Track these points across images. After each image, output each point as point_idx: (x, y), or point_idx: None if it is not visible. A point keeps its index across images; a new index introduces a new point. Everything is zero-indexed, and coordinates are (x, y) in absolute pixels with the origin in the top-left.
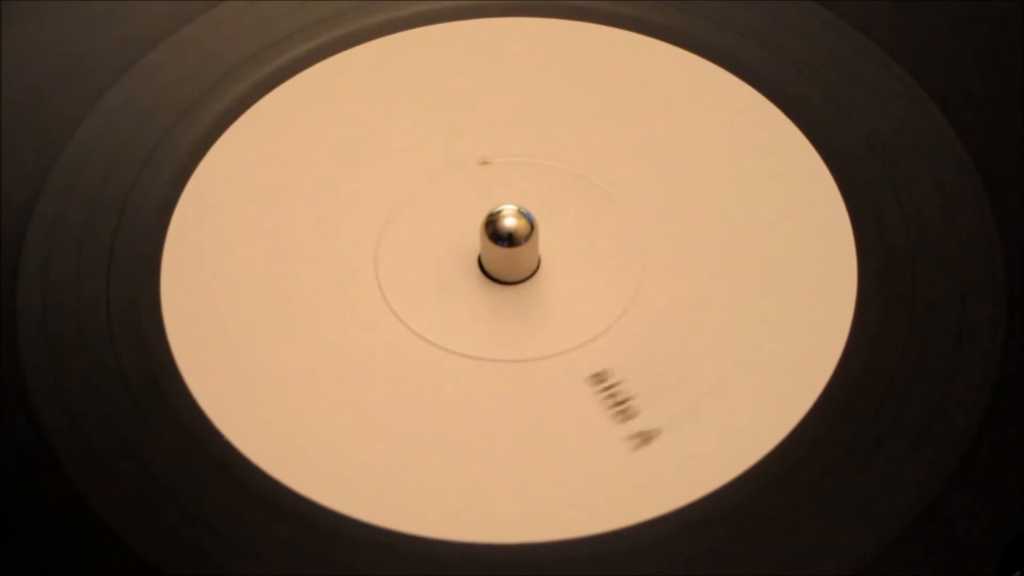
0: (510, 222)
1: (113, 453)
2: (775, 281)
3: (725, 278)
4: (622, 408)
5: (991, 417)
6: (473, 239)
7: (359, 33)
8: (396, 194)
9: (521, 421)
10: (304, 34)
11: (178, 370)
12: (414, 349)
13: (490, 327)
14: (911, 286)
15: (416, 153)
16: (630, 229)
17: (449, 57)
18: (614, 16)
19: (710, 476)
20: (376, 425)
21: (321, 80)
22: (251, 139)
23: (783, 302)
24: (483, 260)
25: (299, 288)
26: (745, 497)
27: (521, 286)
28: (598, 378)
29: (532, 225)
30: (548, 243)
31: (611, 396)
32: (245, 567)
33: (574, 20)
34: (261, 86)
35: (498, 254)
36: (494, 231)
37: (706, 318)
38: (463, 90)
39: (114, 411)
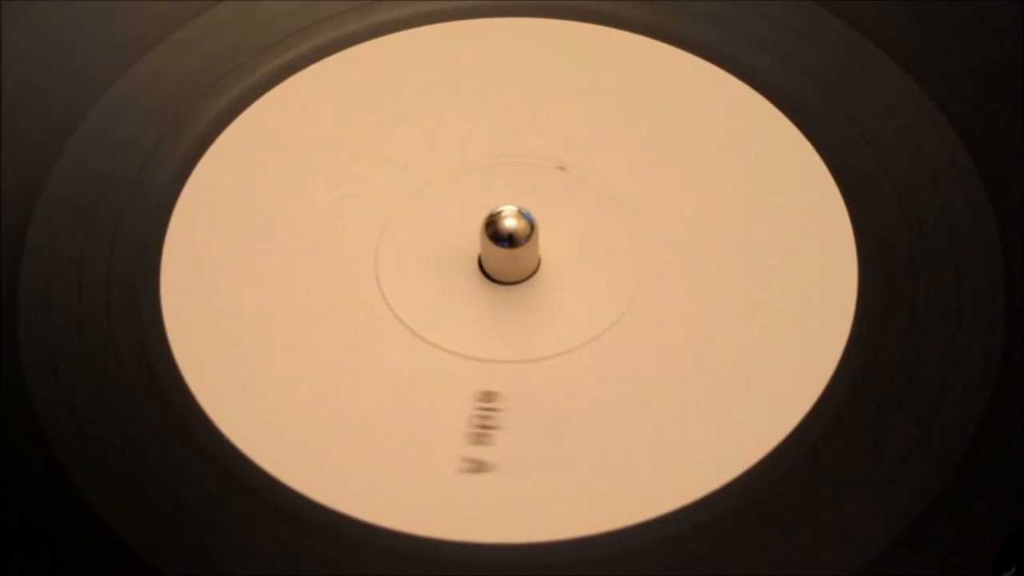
0: (510, 223)
1: (113, 453)
2: (775, 281)
3: (725, 278)
4: (482, 432)
5: (990, 417)
6: (473, 239)
7: (359, 33)
8: (396, 194)
9: (520, 421)
10: (304, 34)
11: (178, 370)
12: (414, 349)
13: (490, 327)
14: (911, 286)
15: (416, 153)
16: (630, 229)
17: (449, 57)
18: (614, 16)
19: (710, 476)
20: (376, 425)
21: (321, 80)
22: (250, 139)
23: (783, 302)
24: (483, 261)
25: (299, 288)
26: (745, 497)
27: (521, 286)
28: (486, 396)
29: (532, 225)
30: (548, 243)
31: (483, 418)
32: (245, 567)
33: (574, 20)
34: (261, 86)
35: (498, 255)
36: (494, 232)
37: (706, 318)
38: (463, 90)
39: (114, 410)
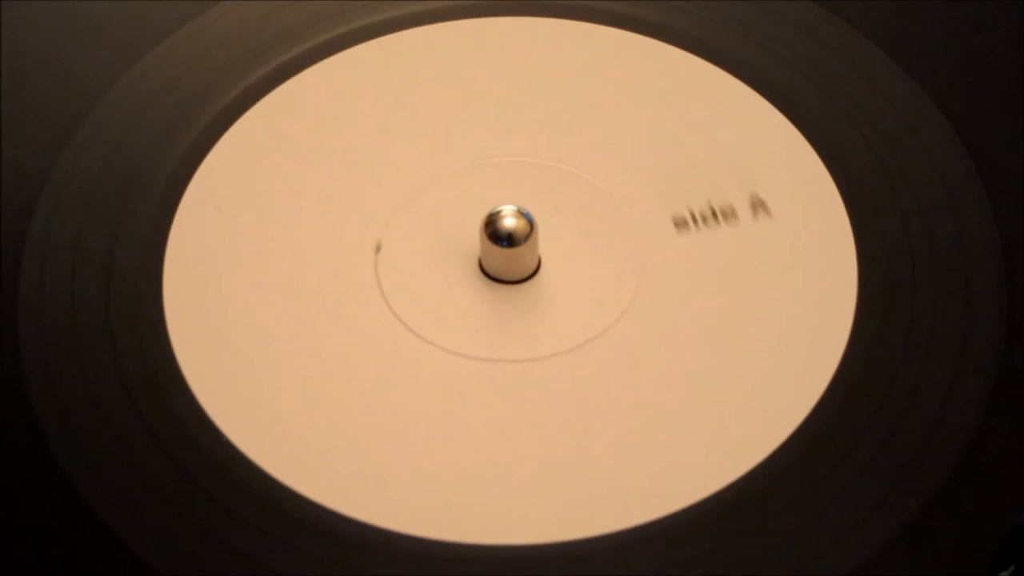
0: (510, 222)
1: (113, 453)
2: (775, 281)
3: (724, 278)
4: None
5: (990, 416)
6: (473, 239)
7: (359, 33)
8: (396, 194)
9: (521, 421)
10: (304, 34)
11: (179, 370)
12: (414, 349)
13: (490, 327)
14: (911, 286)
15: (416, 153)
16: (630, 229)
17: (449, 57)
18: (614, 16)
19: (710, 476)
20: (376, 425)
21: (321, 80)
22: (251, 139)
23: (783, 302)
24: (483, 260)
25: (299, 288)
26: (745, 498)
27: (521, 286)
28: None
29: (532, 225)
30: (548, 243)
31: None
32: (245, 567)
33: (574, 20)
34: (261, 86)
35: (498, 254)
36: (494, 231)
37: (706, 318)
38: (463, 89)
39: (113, 411)
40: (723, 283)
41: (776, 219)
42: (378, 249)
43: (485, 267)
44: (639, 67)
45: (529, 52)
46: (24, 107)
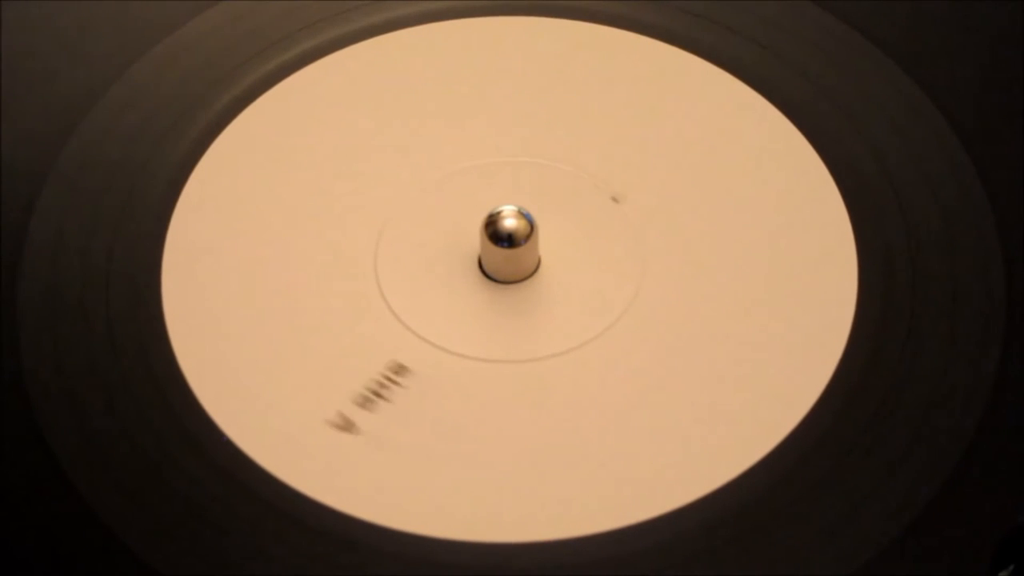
0: (510, 223)
1: (113, 452)
2: (775, 282)
3: (725, 279)
4: (370, 397)
5: (990, 417)
6: (473, 239)
7: (359, 32)
8: (396, 194)
9: (520, 421)
10: (303, 33)
11: (179, 369)
12: (414, 349)
13: (490, 327)
14: (911, 287)
15: (416, 152)
16: (630, 229)
17: (449, 57)
18: (614, 16)
19: (710, 476)
20: (377, 425)
21: (320, 79)
22: (250, 139)
23: (783, 303)
24: (483, 260)
25: (299, 288)
26: (745, 497)
27: (521, 286)
28: (397, 368)
29: (532, 225)
30: (548, 243)
31: (380, 385)
32: (246, 567)
33: (574, 20)
34: (260, 85)
35: (498, 254)
36: (494, 232)
37: (705, 318)
38: (463, 89)
39: (114, 411)
40: (723, 283)
41: (777, 220)
42: (616, 200)
43: (485, 267)
44: (639, 67)
45: (529, 52)
46: (24, 106)
